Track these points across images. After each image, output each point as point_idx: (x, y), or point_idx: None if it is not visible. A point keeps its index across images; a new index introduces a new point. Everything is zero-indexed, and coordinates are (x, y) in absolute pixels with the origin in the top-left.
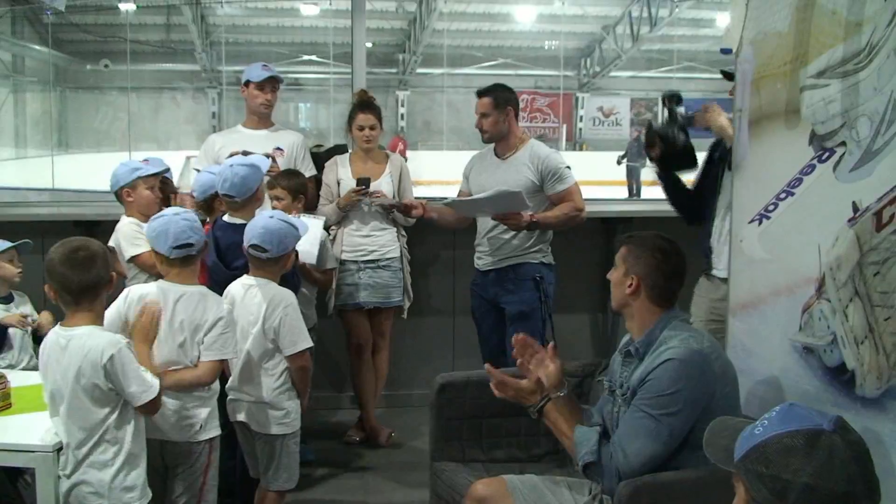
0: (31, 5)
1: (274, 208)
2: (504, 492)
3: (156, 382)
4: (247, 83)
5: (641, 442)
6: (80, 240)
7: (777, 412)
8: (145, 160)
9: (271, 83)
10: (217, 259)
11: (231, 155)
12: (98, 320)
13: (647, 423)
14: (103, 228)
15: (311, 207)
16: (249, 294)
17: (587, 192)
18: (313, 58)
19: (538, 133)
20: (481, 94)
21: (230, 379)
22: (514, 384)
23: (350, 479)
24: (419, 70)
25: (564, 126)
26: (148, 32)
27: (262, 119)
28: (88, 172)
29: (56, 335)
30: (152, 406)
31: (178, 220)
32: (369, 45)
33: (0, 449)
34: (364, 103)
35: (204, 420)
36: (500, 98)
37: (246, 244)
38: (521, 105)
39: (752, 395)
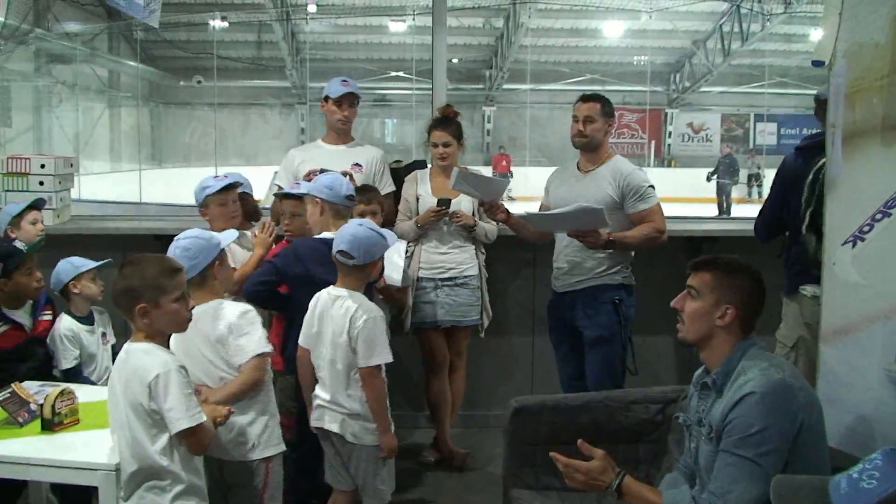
0: (126, 21)
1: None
2: None
3: (201, 416)
4: (326, 98)
5: (743, 486)
6: (145, 255)
7: (883, 461)
8: (217, 176)
9: (349, 99)
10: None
11: (309, 173)
12: (157, 337)
13: (743, 467)
14: None
15: (389, 223)
16: (336, 304)
17: (675, 210)
18: (400, 74)
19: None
20: (588, 98)
21: (317, 387)
22: (583, 466)
23: (425, 500)
24: (505, 86)
25: (653, 142)
26: (239, 49)
27: (341, 134)
28: (177, 186)
29: (123, 349)
30: (196, 440)
31: (173, 247)
32: (455, 60)
33: (64, 466)
34: (440, 120)
35: (256, 438)
36: (607, 106)
37: (334, 250)
38: None
39: (840, 425)
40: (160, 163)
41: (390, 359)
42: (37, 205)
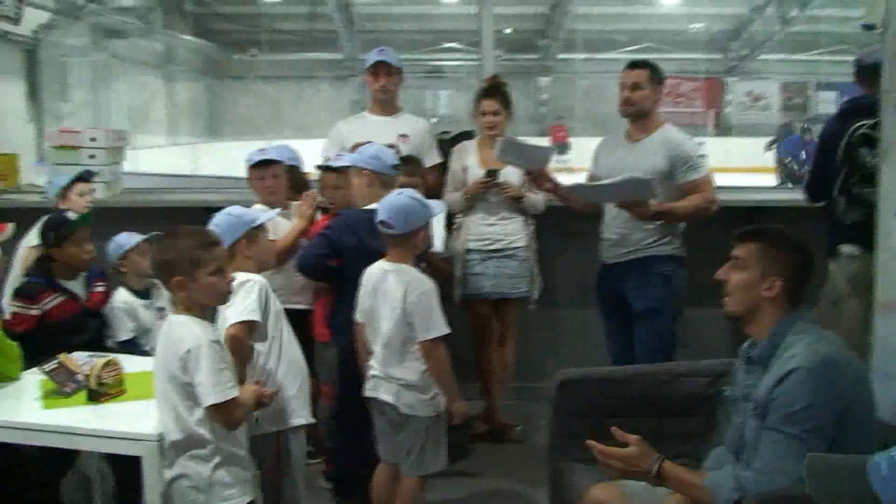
0: None
1: None
2: (622, 498)
3: (232, 392)
4: (367, 70)
5: (788, 464)
6: (182, 227)
7: None
8: (263, 149)
9: (384, 68)
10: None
11: (356, 146)
12: (196, 310)
13: (789, 444)
14: None
15: (435, 196)
16: (388, 279)
17: (732, 180)
18: (454, 45)
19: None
20: (636, 65)
21: (372, 359)
22: (619, 454)
23: (472, 471)
24: (560, 55)
25: (711, 111)
26: (292, 22)
27: (385, 105)
28: (232, 159)
29: (166, 321)
30: (225, 415)
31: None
32: (508, 30)
33: (108, 436)
34: (488, 89)
35: (260, 412)
36: (654, 73)
37: (377, 221)
38: (667, 90)
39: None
40: (216, 136)
41: (447, 330)
42: (84, 177)
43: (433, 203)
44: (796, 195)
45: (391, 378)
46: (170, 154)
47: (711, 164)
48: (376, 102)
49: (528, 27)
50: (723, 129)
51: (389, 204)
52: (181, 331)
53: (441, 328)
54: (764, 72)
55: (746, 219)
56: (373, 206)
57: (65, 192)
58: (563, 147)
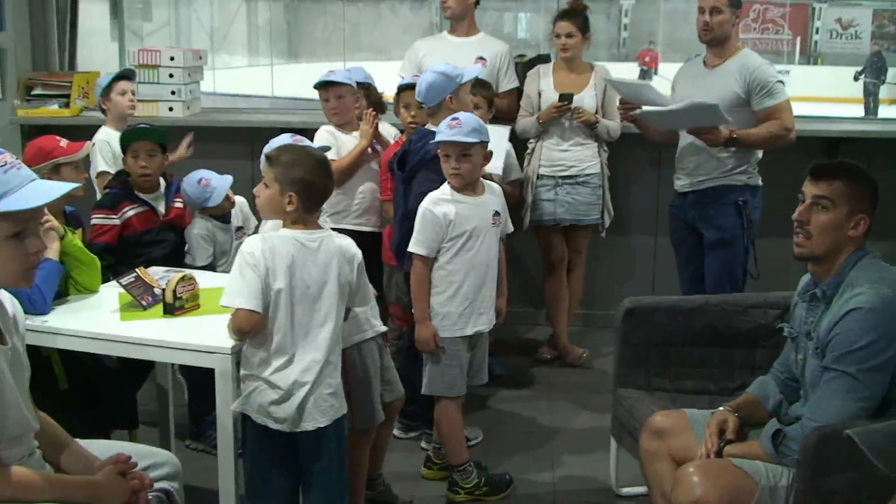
0: None
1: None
2: (684, 425)
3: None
4: None
5: (840, 401)
6: (309, 148)
7: None
8: (333, 70)
9: None
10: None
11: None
12: None
13: (842, 382)
14: (309, 136)
15: (511, 119)
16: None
17: (818, 109)
18: None
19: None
20: None
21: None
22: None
23: (535, 397)
24: None
25: (798, 38)
26: None
27: (465, 26)
28: (310, 81)
29: (295, 239)
30: None
31: None
32: None
33: (183, 348)
34: (564, 11)
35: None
36: None
37: None
38: (753, 16)
39: None
40: (295, 57)
41: (422, 251)
42: (126, 75)
43: (465, 69)
44: (881, 126)
45: None
46: (249, 75)
47: (797, 92)
48: (451, 21)
49: None
50: (810, 57)
51: (419, 84)
52: (343, 241)
53: (415, 246)
54: None
55: (828, 150)
56: None
57: (107, 91)
58: (648, 72)
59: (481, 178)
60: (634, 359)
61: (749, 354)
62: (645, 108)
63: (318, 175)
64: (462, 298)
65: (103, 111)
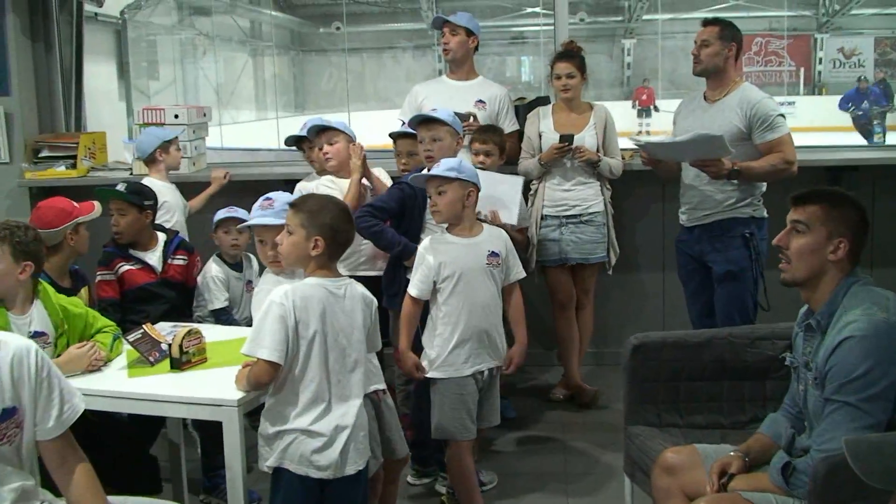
0: None
1: (482, 163)
2: (696, 461)
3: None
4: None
5: (844, 432)
6: (333, 196)
7: None
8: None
9: (448, 27)
10: None
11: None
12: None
13: (845, 412)
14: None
15: (512, 162)
16: None
17: (825, 139)
18: (536, 10)
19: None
20: (707, 22)
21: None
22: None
23: (548, 438)
24: (645, 17)
25: (802, 69)
26: None
27: (460, 68)
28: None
29: (323, 286)
30: None
31: None
32: None
33: (191, 402)
34: (562, 53)
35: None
36: (726, 30)
37: None
38: (756, 49)
39: None
40: (302, 109)
41: (413, 292)
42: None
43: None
44: (883, 153)
45: None
46: (256, 128)
47: (803, 123)
48: (450, 64)
49: None
50: (815, 87)
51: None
52: (361, 288)
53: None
54: (856, 27)
55: (831, 179)
56: None
57: (168, 144)
58: (646, 110)
59: (478, 220)
60: (644, 395)
61: (759, 387)
62: (648, 140)
63: (342, 221)
64: (460, 338)
65: (148, 163)
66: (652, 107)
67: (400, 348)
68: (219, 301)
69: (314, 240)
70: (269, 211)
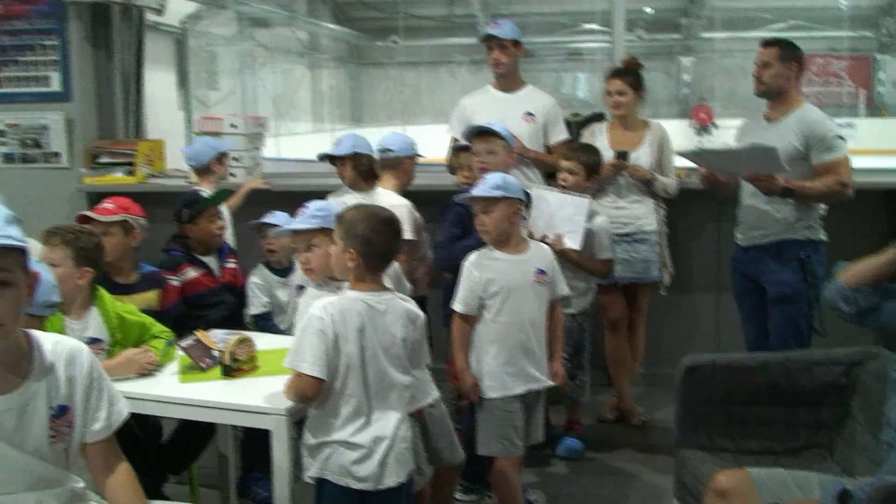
0: None
1: (564, 180)
2: (749, 485)
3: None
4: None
5: None
6: (377, 207)
7: None
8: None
9: (496, 41)
10: None
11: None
12: None
13: None
14: None
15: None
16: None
17: (882, 162)
18: (593, 27)
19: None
20: (767, 43)
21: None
22: None
23: (597, 458)
24: (703, 34)
25: (861, 90)
26: (431, 7)
27: (506, 80)
28: (372, 145)
29: (363, 301)
30: None
31: None
32: (650, 10)
33: (240, 410)
34: (617, 70)
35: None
36: (786, 50)
37: None
38: (815, 69)
39: None
40: (358, 122)
41: (460, 308)
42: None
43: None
44: None
45: None
46: (313, 140)
47: (863, 146)
48: (496, 77)
49: (670, 6)
50: (875, 109)
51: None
52: (406, 303)
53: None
54: None
55: (890, 202)
56: None
57: (223, 156)
58: (705, 128)
59: (525, 237)
60: (696, 418)
61: (813, 413)
62: (700, 148)
63: (378, 232)
64: (508, 356)
65: (201, 172)
66: (711, 125)
67: (458, 368)
68: (255, 307)
69: (348, 251)
70: (300, 218)
